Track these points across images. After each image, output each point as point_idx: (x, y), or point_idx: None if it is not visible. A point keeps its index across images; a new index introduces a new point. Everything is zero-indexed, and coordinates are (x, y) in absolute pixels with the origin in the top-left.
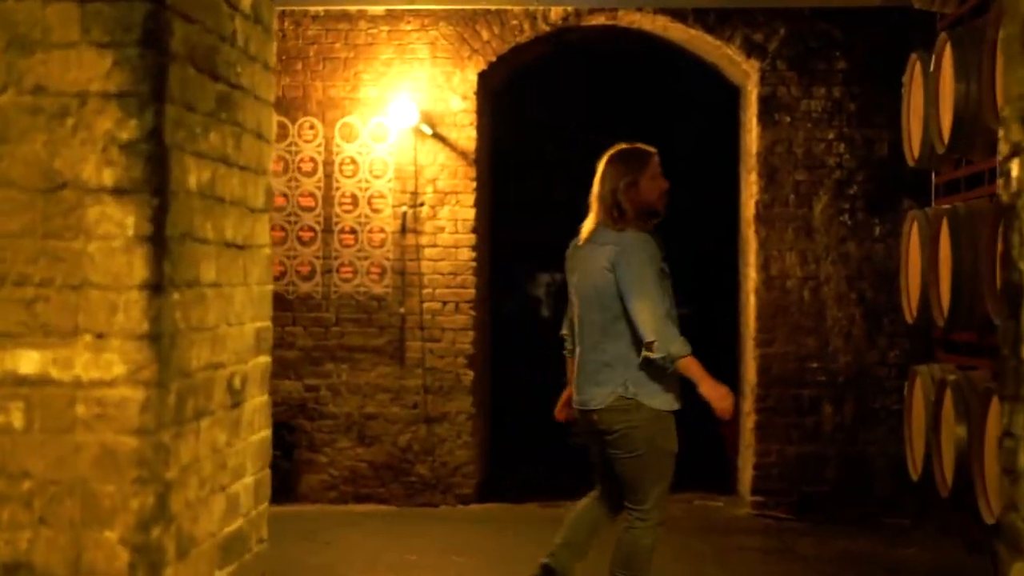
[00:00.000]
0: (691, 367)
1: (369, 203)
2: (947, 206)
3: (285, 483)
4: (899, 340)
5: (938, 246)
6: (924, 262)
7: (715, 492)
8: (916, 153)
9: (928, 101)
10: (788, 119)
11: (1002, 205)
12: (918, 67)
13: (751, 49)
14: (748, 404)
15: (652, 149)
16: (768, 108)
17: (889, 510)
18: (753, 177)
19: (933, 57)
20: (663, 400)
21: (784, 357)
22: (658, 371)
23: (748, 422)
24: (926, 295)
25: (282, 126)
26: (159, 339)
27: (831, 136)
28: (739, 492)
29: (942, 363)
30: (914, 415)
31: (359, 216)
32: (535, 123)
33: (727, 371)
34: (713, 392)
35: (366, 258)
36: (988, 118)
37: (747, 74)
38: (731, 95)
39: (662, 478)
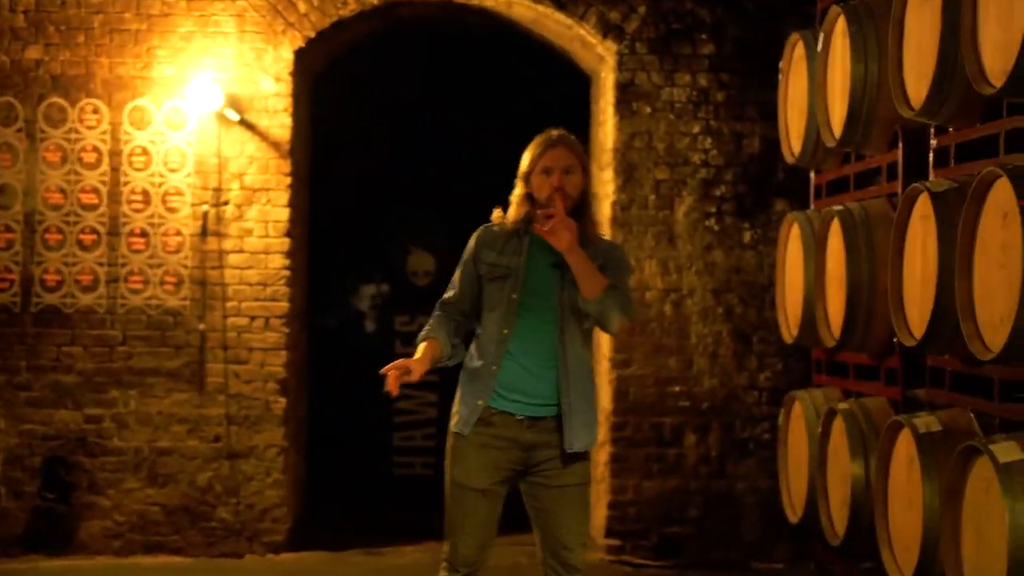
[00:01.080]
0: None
1: (164, 201)
2: (838, 207)
3: (61, 531)
4: (770, 361)
5: (825, 253)
6: (808, 272)
7: None
8: (796, 149)
9: (814, 88)
10: (648, 109)
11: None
12: (799, 49)
13: (607, 29)
14: (602, 434)
15: (553, 132)
16: (626, 97)
17: (760, 554)
18: (608, 175)
19: (821, 36)
20: (455, 419)
21: (643, 380)
22: (463, 381)
23: (602, 455)
24: (810, 310)
25: (59, 109)
26: None
27: (696, 130)
28: (589, 534)
29: (824, 388)
30: (791, 448)
31: (151, 216)
32: (363, 113)
33: None
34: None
35: (159, 265)
36: (896, 104)
37: (602, 58)
38: (582, 84)
39: (449, 514)
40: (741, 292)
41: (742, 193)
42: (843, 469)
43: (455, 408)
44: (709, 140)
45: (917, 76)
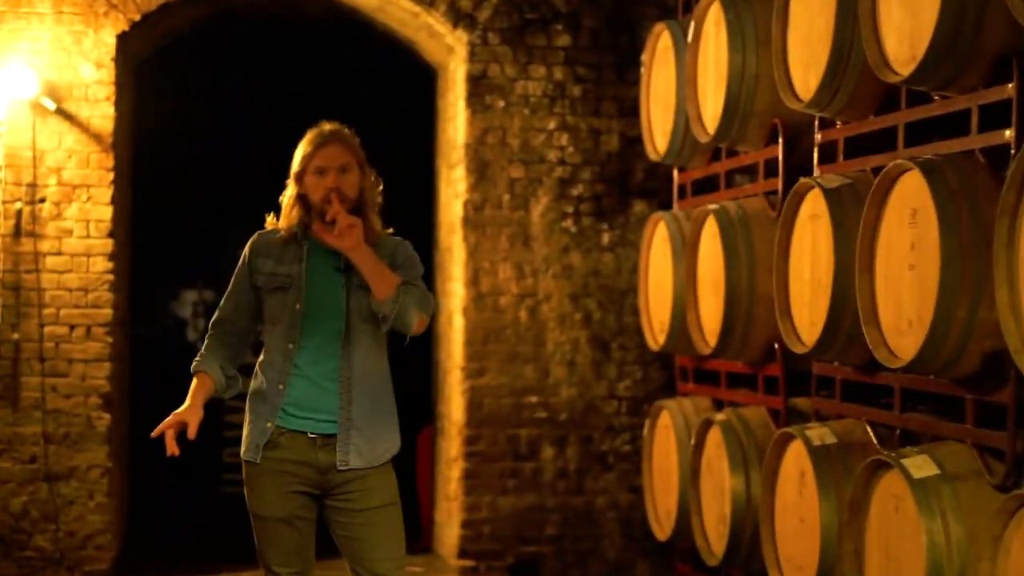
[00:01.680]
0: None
1: None
2: (712, 206)
3: None
4: (630, 369)
5: (697, 255)
6: (679, 275)
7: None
8: (661, 145)
9: (683, 80)
10: (502, 104)
11: None
12: (664, 40)
13: (458, 18)
14: (455, 448)
15: (326, 127)
16: (478, 90)
17: (621, 574)
18: (460, 173)
19: (692, 24)
20: (244, 445)
21: (498, 390)
22: (251, 403)
23: (454, 470)
24: (680, 316)
25: None
26: None
27: (552, 126)
28: (440, 554)
29: (693, 397)
30: (657, 461)
31: None
32: (189, 105)
33: (420, 410)
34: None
35: None
36: (782, 96)
37: (452, 49)
38: (425, 77)
39: (257, 547)
40: (599, 297)
41: (600, 193)
42: (720, 483)
43: (244, 432)
44: (566, 137)
45: (805, 66)
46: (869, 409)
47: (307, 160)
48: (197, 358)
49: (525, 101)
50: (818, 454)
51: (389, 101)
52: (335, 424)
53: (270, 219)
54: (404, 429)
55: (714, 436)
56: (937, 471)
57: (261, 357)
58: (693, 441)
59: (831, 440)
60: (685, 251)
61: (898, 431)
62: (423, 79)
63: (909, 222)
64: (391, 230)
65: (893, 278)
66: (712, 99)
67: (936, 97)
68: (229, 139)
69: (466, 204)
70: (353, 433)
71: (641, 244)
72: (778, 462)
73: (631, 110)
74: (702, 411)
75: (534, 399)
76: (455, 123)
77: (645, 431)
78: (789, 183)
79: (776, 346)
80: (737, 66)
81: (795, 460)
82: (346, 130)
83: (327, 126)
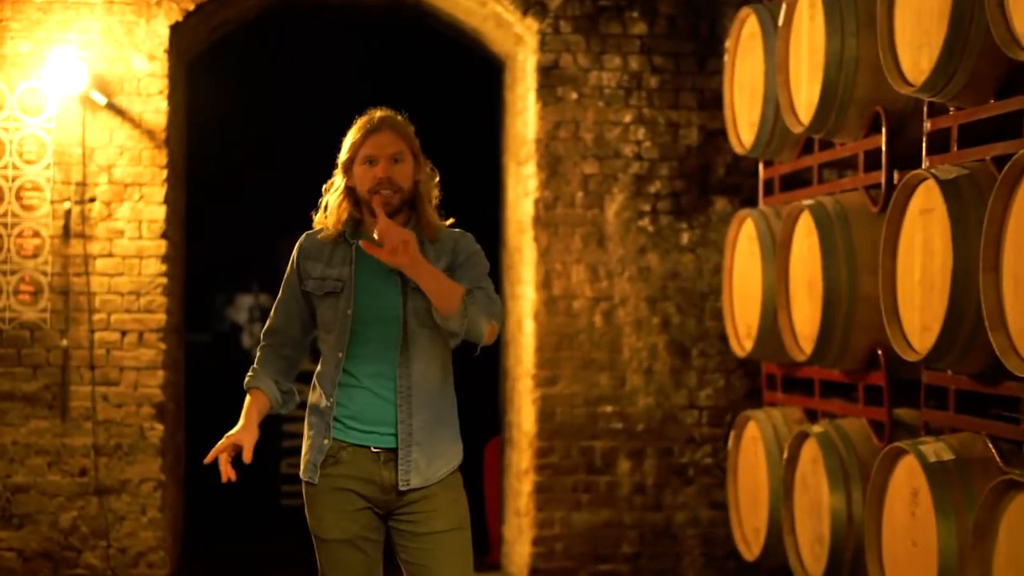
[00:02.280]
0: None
1: (19, 197)
2: (807, 201)
3: None
4: (711, 377)
5: (789, 255)
6: (768, 277)
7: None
8: (747, 138)
9: (772, 67)
10: (575, 96)
11: None
12: (751, 25)
13: (527, 6)
14: (525, 460)
15: (376, 113)
16: (549, 81)
17: None
18: (531, 169)
19: (783, 7)
20: (302, 464)
21: (571, 399)
22: (308, 418)
23: (525, 484)
24: (770, 320)
25: None
26: None
27: (628, 119)
28: (510, 572)
29: (783, 408)
30: (743, 475)
31: (3, 215)
32: (247, 101)
33: (487, 419)
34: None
35: (15, 272)
36: (890, 81)
37: (521, 39)
38: (490, 70)
39: (320, 571)
40: (678, 300)
41: (679, 190)
42: (817, 501)
43: (303, 449)
44: (642, 130)
45: (916, 47)
46: (989, 422)
47: (356, 148)
48: (250, 373)
49: (599, 93)
50: (934, 471)
51: (453, 95)
52: (397, 438)
53: (317, 217)
54: (470, 440)
55: (810, 449)
56: None
57: (318, 368)
58: (786, 455)
59: (948, 456)
60: (776, 250)
61: None
62: (489, 71)
63: None
64: (451, 221)
65: None
66: (806, 86)
67: None
68: (287, 136)
69: (537, 202)
70: (414, 449)
71: (725, 244)
72: (886, 479)
73: (711, 102)
74: (793, 422)
75: (609, 409)
76: (524, 117)
77: (730, 443)
78: (892, 176)
79: (879, 352)
80: (835, 50)
81: (906, 477)
82: (399, 116)
83: (378, 112)
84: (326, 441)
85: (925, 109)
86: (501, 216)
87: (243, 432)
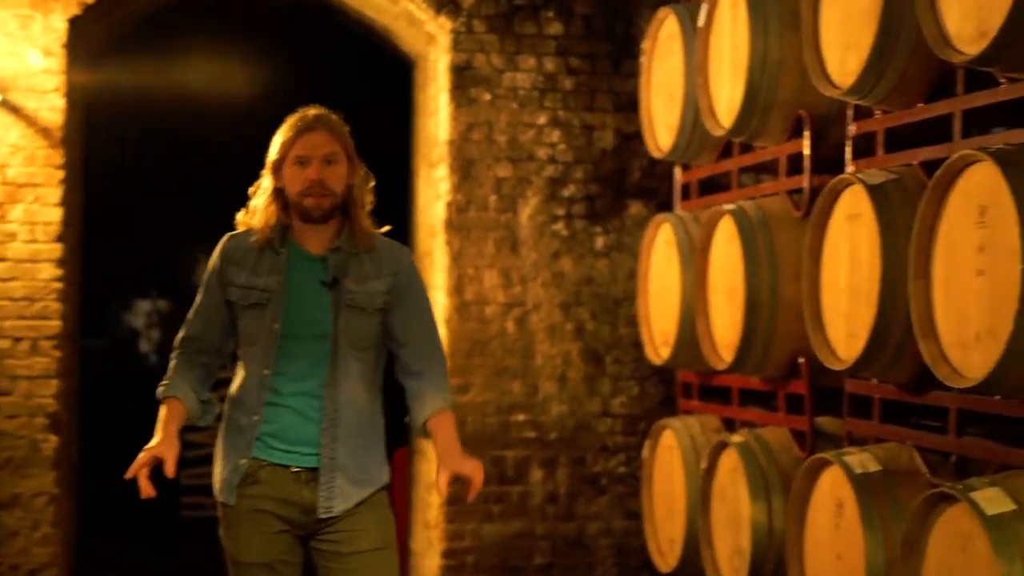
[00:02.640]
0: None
1: None
2: (728, 206)
3: None
4: (625, 384)
5: (708, 261)
6: (687, 283)
7: None
8: (665, 141)
9: (693, 69)
10: (488, 97)
11: None
12: (670, 26)
13: (440, 4)
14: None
15: (310, 112)
16: (463, 82)
17: None
18: (442, 172)
19: (704, 8)
20: (216, 484)
21: (483, 408)
22: (223, 435)
23: (434, 495)
24: (688, 328)
25: None
26: None
27: (542, 121)
28: None
29: (699, 416)
30: (658, 485)
31: None
32: (146, 100)
33: (395, 428)
34: None
35: None
36: (815, 83)
37: (433, 37)
38: (401, 70)
39: None
40: (593, 306)
41: (594, 193)
42: (736, 512)
43: (215, 469)
44: (557, 133)
45: (843, 48)
46: (916, 432)
47: (287, 147)
48: (164, 382)
49: (513, 94)
50: (860, 483)
51: (362, 95)
52: (319, 458)
53: (242, 216)
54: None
55: (729, 459)
56: (1014, 506)
57: (234, 382)
58: (704, 464)
59: (874, 467)
60: (695, 256)
61: (953, 458)
62: (400, 71)
63: (977, 221)
64: (387, 229)
65: (956, 286)
66: (728, 89)
67: (1003, 80)
68: (192, 136)
69: (449, 206)
70: (338, 475)
71: (641, 249)
72: (809, 490)
73: (627, 104)
74: (710, 431)
75: (522, 417)
76: (436, 118)
77: (645, 452)
78: (816, 180)
79: (801, 361)
80: (759, 51)
81: (830, 488)
82: (334, 116)
83: (312, 110)
84: (244, 461)
85: (850, 112)
86: (411, 220)
87: (163, 445)
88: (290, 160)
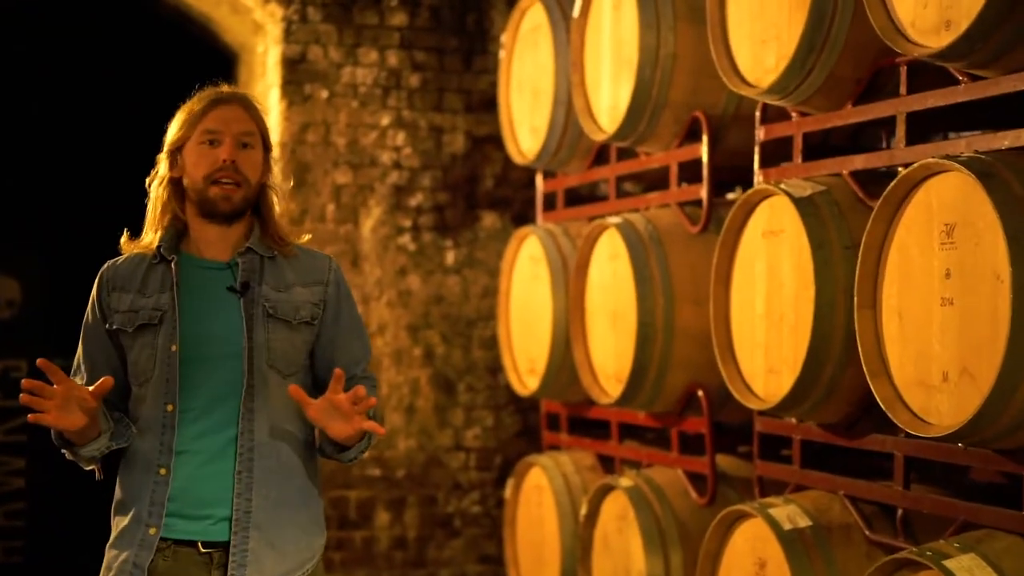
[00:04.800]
0: None
1: None
2: (613, 219)
3: None
4: (479, 414)
5: (586, 281)
6: (559, 304)
7: None
8: (531, 146)
9: (566, 65)
10: (325, 94)
11: None
12: (534, 16)
13: None
14: None
15: (223, 86)
16: (296, 77)
17: None
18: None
19: None
20: (104, 568)
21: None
22: (118, 505)
23: None
24: (560, 355)
25: None
26: None
27: (385, 122)
28: None
29: (571, 452)
30: (522, 529)
31: None
32: None
33: None
34: None
35: None
36: (725, 80)
37: (261, 27)
38: (221, 64)
39: None
40: (443, 328)
41: (443, 203)
42: (623, 565)
43: (109, 547)
44: (402, 135)
45: (758, 42)
46: (848, 480)
47: (192, 123)
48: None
49: (353, 91)
50: (791, 541)
51: (173, 91)
52: (230, 511)
53: (125, 241)
54: None
55: (615, 504)
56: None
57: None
58: (584, 510)
59: (804, 522)
60: (572, 275)
61: (900, 512)
62: (219, 65)
63: (941, 242)
64: (308, 237)
65: (913, 316)
66: (610, 87)
67: (962, 78)
68: None
69: (280, 216)
70: (252, 535)
71: (502, 265)
72: (721, 545)
73: (480, 104)
74: (585, 470)
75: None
76: (265, 118)
77: (508, 492)
78: (719, 190)
79: (700, 394)
80: (650, 45)
81: (749, 545)
82: (251, 96)
83: (225, 86)
84: (152, 531)
85: (758, 114)
86: None
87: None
88: (196, 138)
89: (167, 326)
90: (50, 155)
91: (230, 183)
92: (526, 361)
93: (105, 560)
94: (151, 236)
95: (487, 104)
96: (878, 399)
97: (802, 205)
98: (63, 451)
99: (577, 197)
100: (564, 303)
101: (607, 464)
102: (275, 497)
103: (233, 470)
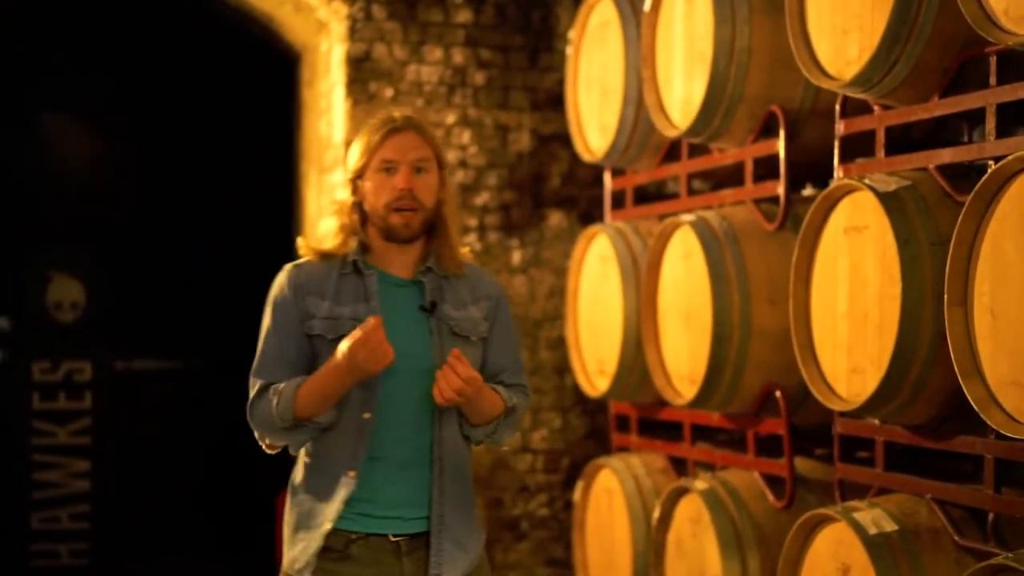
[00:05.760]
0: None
1: None
2: (687, 216)
3: None
4: (547, 416)
5: (658, 280)
6: (630, 304)
7: None
8: (600, 143)
9: (636, 60)
10: (390, 92)
11: None
12: (602, 11)
13: None
14: None
15: (396, 113)
16: (361, 75)
17: None
18: (339, 177)
19: None
20: (287, 558)
21: None
22: (297, 503)
23: None
24: (632, 355)
25: None
26: None
27: (451, 120)
28: None
29: (642, 454)
30: (591, 532)
31: None
32: None
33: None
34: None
35: None
36: (805, 72)
37: (325, 25)
38: (283, 65)
39: None
40: None
41: (509, 202)
42: (698, 570)
43: (289, 535)
44: (468, 133)
45: (839, 33)
46: (938, 484)
47: (370, 152)
48: (273, 398)
49: (418, 90)
50: (877, 546)
51: (231, 92)
52: (425, 521)
53: (302, 244)
54: (262, 490)
55: (688, 508)
56: None
57: (314, 438)
58: (657, 513)
59: (890, 527)
60: (641, 273)
61: (992, 516)
62: (281, 65)
63: None
64: (468, 249)
65: (1007, 314)
66: (682, 82)
67: None
68: (35, 143)
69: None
70: (445, 537)
71: (570, 264)
72: (802, 551)
73: (545, 102)
74: (656, 472)
75: None
76: (329, 116)
77: (577, 495)
78: (792, 187)
79: (778, 395)
80: (726, 38)
81: (831, 550)
82: (423, 120)
83: (397, 111)
84: (326, 526)
85: (838, 108)
86: (297, 231)
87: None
88: (374, 167)
89: None
90: (115, 159)
91: (408, 210)
92: (595, 362)
93: (291, 553)
94: (337, 245)
95: (553, 102)
96: (970, 399)
97: (887, 200)
98: (288, 428)
99: (645, 195)
100: (635, 303)
101: (679, 466)
102: (458, 500)
103: (428, 476)
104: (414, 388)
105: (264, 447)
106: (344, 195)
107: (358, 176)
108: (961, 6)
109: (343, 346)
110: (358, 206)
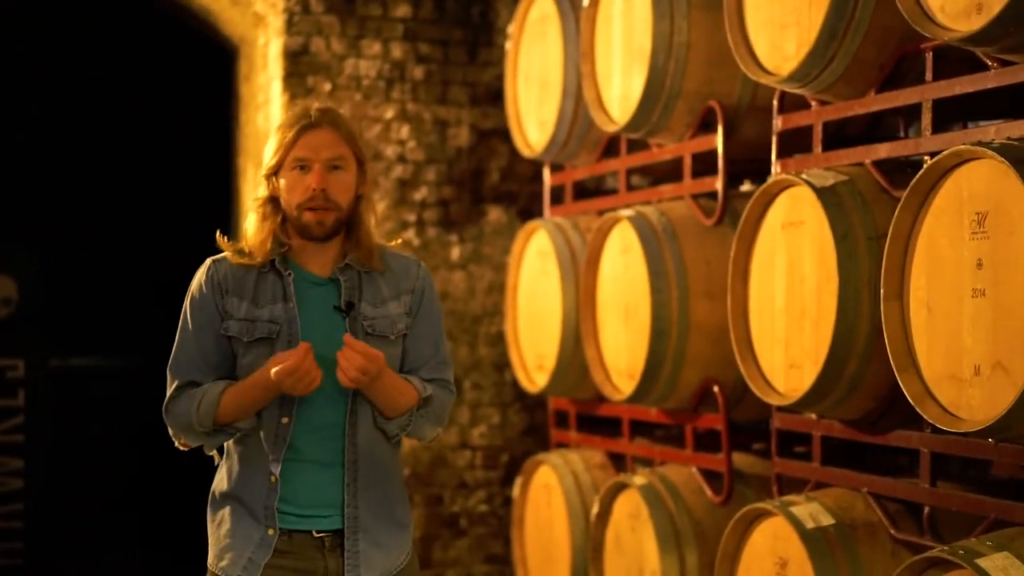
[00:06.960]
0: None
1: None
2: (626, 211)
3: None
4: (485, 412)
5: (597, 275)
6: (569, 300)
7: None
8: (539, 138)
9: (575, 55)
10: (328, 87)
11: None
12: (542, 6)
13: None
14: None
15: (313, 106)
16: (299, 69)
17: None
18: None
19: None
20: (224, 560)
21: None
22: (220, 503)
23: None
24: (571, 350)
25: None
26: None
27: (390, 115)
28: None
29: (580, 450)
30: (530, 528)
31: None
32: None
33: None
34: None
35: None
36: (743, 68)
37: (262, 19)
38: (220, 58)
39: None
40: (448, 324)
41: (448, 197)
42: (637, 565)
43: (216, 539)
44: (406, 128)
45: (777, 28)
46: (872, 477)
47: (284, 149)
48: (195, 405)
49: (356, 84)
50: (814, 540)
51: (168, 86)
52: (342, 519)
53: (222, 241)
54: (195, 488)
55: (627, 503)
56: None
57: (235, 439)
58: (596, 509)
59: (827, 520)
60: (583, 269)
61: (927, 510)
62: (218, 59)
63: (972, 231)
64: (399, 241)
65: (942, 308)
66: (620, 78)
67: (992, 63)
68: None
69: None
70: (361, 537)
71: (509, 260)
72: (739, 545)
73: (485, 97)
74: (595, 468)
75: None
76: (266, 111)
77: (516, 491)
78: (731, 182)
79: (716, 390)
80: (664, 33)
81: (769, 544)
82: (340, 113)
83: (315, 104)
84: (270, 532)
85: (776, 104)
86: (233, 225)
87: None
88: (288, 164)
89: (283, 340)
90: (48, 153)
91: (322, 208)
92: (534, 357)
93: (215, 551)
94: (256, 244)
95: (492, 97)
96: (906, 394)
97: (824, 195)
98: (207, 432)
99: (585, 191)
100: (574, 298)
101: (618, 462)
102: (376, 499)
103: (341, 479)
104: (330, 391)
105: (177, 445)
106: (262, 192)
107: (273, 173)
108: (898, 2)
109: (272, 369)
110: (276, 202)
